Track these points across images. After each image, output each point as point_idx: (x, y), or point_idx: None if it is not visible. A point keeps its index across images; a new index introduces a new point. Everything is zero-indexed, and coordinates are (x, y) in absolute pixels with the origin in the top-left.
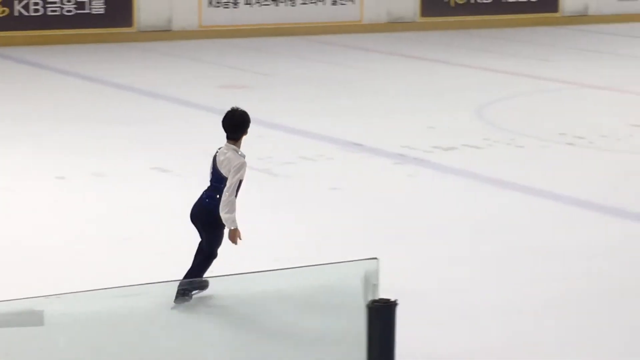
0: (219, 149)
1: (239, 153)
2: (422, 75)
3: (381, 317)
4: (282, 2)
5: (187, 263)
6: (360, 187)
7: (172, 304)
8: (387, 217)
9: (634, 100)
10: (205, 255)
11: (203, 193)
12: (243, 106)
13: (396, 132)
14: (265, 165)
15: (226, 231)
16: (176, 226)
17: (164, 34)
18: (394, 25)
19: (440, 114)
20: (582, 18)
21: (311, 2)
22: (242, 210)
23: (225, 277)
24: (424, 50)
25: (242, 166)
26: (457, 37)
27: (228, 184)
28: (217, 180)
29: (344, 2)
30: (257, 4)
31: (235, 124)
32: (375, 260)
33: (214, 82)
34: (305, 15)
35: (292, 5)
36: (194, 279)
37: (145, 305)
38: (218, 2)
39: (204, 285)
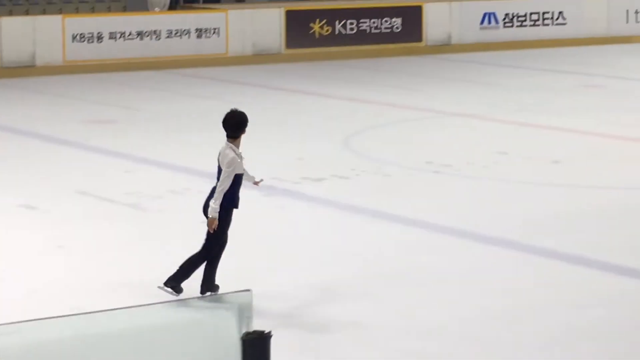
0: (222, 147)
1: (235, 151)
2: (289, 107)
3: (255, 349)
4: (147, 36)
5: (61, 298)
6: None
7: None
8: (259, 248)
9: (499, 127)
10: (199, 254)
11: (212, 189)
12: (109, 142)
13: (265, 163)
14: (134, 200)
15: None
16: (47, 262)
17: (28, 69)
18: (260, 58)
19: (308, 144)
20: (445, 47)
21: (176, 36)
22: (111, 246)
23: (93, 313)
24: (291, 82)
25: (232, 160)
26: (322, 68)
27: (221, 177)
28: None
29: (209, 35)
30: (122, 38)
31: (234, 124)
32: (248, 292)
33: (80, 118)
34: (171, 49)
35: (157, 39)
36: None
37: (19, 342)
38: (82, 37)
39: (215, 288)
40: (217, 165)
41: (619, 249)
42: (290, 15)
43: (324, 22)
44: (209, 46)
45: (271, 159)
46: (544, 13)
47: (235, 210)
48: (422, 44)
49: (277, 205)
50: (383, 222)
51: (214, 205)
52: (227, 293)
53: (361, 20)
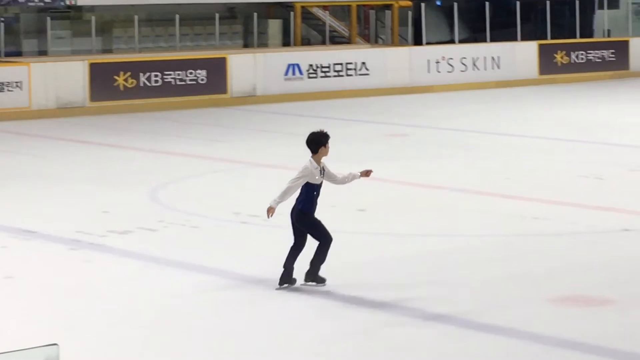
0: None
1: (312, 163)
2: (94, 160)
3: None
4: None
5: None
6: (36, 275)
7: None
8: (64, 303)
9: None
10: (321, 244)
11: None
12: None
13: (70, 217)
14: None
15: None
16: None
17: None
18: (64, 111)
19: (114, 197)
20: (250, 98)
21: None
22: None
23: None
24: (95, 135)
25: (304, 169)
26: (128, 120)
27: (292, 178)
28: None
29: (11, 89)
30: None
31: (309, 142)
32: (55, 346)
33: None
34: None
35: None
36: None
37: None
38: None
39: (322, 280)
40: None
41: (419, 295)
42: (94, 68)
43: (128, 74)
44: (11, 100)
45: (76, 213)
46: (347, 64)
47: (35, 267)
48: (227, 96)
49: (82, 258)
50: (191, 274)
51: (277, 199)
52: (33, 348)
53: (166, 73)
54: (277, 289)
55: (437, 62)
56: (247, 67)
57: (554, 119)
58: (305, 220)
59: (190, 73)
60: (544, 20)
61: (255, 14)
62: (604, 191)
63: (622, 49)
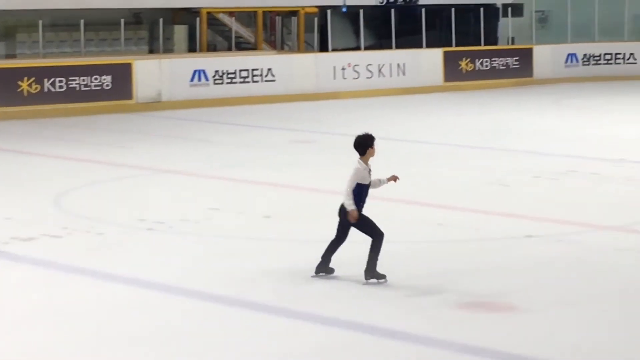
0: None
1: (361, 165)
2: None
3: None
4: None
5: None
6: None
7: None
8: None
9: (211, 183)
10: (373, 240)
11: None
12: None
13: None
14: None
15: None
16: None
17: None
18: None
19: (17, 204)
20: (156, 105)
21: None
22: None
23: None
24: None
25: (357, 171)
26: (32, 126)
27: (347, 180)
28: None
29: None
30: None
31: (356, 145)
32: None
33: None
34: None
35: None
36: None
37: None
38: None
39: (382, 276)
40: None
41: (331, 300)
42: None
43: (32, 80)
44: None
45: None
46: (253, 70)
47: None
48: (132, 102)
49: None
50: (97, 281)
51: (348, 202)
52: None
53: (70, 78)
54: (312, 276)
55: (343, 69)
56: (152, 73)
57: (459, 125)
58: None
59: (95, 79)
60: (449, 27)
61: (160, 20)
62: (507, 197)
63: (526, 56)
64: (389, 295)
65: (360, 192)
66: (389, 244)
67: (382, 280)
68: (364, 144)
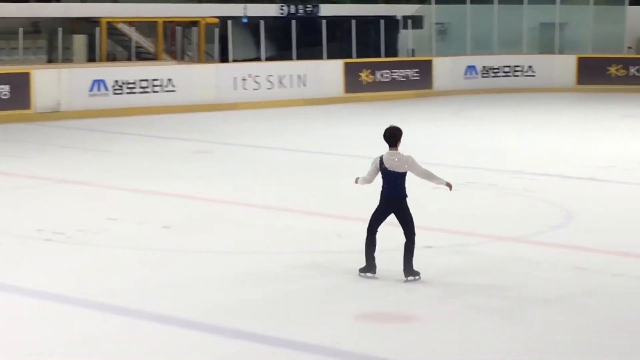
0: (382, 156)
1: (397, 155)
2: None
3: None
4: None
5: None
6: None
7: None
8: None
9: (110, 193)
10: (408, 236)
11: (384, 191)
12: None
13: None
14: None
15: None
16: None
17: None
18: None
19: None
20: (54, 114)
21: None
22: None
23: None
24: None
25: (413, 158)
26: None
27: (419, 169)
28: (392, 178)
29: None
30: None
31: (390, 135)
32: None
33: None
34: None
35: None
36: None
37: None
38: None
39: (417, 273)
40: (376, 171)
41: (219, 313)
42: None
43: None
44: None
45: None
46: (153, 80)
47: None
48: (31, 111)
49: None
50: None
51: (438, 178)
52: None
53: None
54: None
55: (244, 80)
56: (51, 83)
57: (359, 136)
58: (407, 205)
59: None
60: (350, 39)
61: (60, 29)
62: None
63: (425, 68)
64: (290, 306)
65: (384, 178)
66: (286, 255)
67: (418, 277)
68: (398, 135)
